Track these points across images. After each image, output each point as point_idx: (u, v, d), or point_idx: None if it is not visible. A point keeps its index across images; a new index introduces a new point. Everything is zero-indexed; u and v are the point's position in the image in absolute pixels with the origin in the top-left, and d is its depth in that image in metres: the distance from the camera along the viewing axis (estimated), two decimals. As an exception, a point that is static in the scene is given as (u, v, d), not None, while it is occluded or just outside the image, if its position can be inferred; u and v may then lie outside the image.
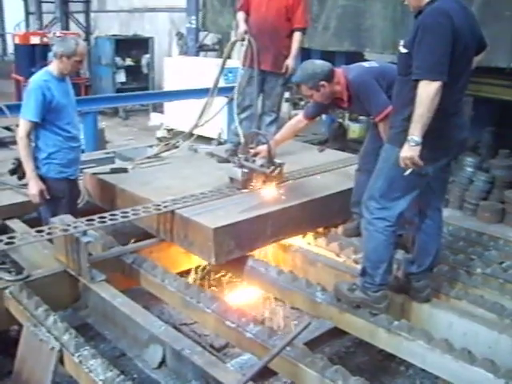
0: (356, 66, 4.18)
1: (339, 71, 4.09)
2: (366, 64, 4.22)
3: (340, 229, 4.71)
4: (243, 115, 5.62)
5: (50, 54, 7.17)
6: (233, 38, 5.78)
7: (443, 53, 2.96)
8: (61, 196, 4.39)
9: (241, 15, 5.58)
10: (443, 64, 2.97)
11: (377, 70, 4.07)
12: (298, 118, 4.67)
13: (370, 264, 3.49)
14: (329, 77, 4.01)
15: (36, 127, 4.22)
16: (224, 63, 5.75)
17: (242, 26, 5.50)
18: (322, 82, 4.00)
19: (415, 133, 3.03)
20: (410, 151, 3.07)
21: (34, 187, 4.23)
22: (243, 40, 5.48)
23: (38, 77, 4.25)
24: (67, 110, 4.33)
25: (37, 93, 4.13)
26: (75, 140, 4.45)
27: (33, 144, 4.31)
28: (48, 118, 4.21)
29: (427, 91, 2.96)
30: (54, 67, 4.27)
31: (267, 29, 5.45)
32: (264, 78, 5.61)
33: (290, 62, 5.50)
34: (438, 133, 3.14)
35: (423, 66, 2.99)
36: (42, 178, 4.29)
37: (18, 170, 4.44)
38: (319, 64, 4.11)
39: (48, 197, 4.30)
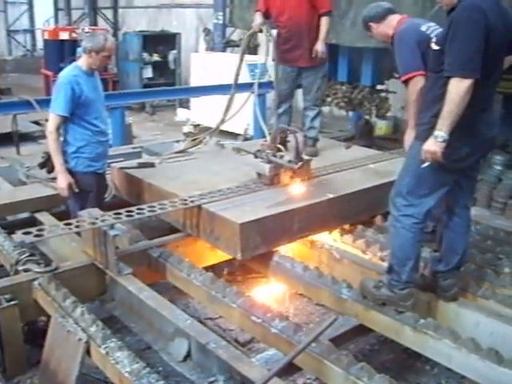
0: (412, 22, 3.90)
1: (399, 19, 3.91)
2: (423, 27, 3.79)
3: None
4: (280, 110, 5.60)
5: (79, 49, 7.23)
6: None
7: (476, 50, 2.92)
8: (89, 190, 4.43)
9: (258, 13, 5.62)
10: (475, 61, 2.92)
11: (427, 36, 3.66)
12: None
13: (397, 261, 3.46)
14: (377, 18, 3.95)
15: (65, 121, 4.27)
16: (242, 56, 5.60)
17: (259, 19, 5.51)
18: (370, 24, 3.99)
19: (443, 129, 3.00)
20: (434, 146, 3.04)
21: (62, 181, 4.28)
22: (261, 31, 5.47)
23: (68, 72, 4.29)
24: (96, 104, 4.37)
25: (66, 87, 4.18)
26: (103, 134, 4.49)
27: (61, 138, 4.36)
28: (77, 112, 4.26)
29: (458, 88, 2.92)
30: (83, 62, 4.31)
31: (295, 27, 5.46)
32: (300, 73, 5.60)
33: (318, 46, 5.49)
34: (468, 129, 3.11)
35: (455, 63, 2.95)
36: (71, 172, 4.34)
37: (47, 164, 4.51)
38: (372, 6, 4.07)
39: (76, 190, 4.34)
